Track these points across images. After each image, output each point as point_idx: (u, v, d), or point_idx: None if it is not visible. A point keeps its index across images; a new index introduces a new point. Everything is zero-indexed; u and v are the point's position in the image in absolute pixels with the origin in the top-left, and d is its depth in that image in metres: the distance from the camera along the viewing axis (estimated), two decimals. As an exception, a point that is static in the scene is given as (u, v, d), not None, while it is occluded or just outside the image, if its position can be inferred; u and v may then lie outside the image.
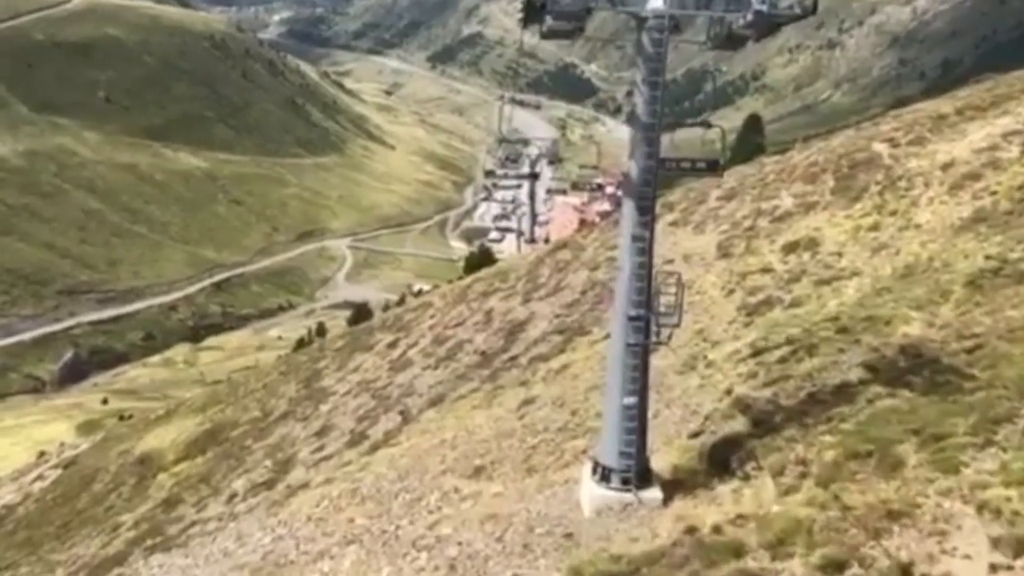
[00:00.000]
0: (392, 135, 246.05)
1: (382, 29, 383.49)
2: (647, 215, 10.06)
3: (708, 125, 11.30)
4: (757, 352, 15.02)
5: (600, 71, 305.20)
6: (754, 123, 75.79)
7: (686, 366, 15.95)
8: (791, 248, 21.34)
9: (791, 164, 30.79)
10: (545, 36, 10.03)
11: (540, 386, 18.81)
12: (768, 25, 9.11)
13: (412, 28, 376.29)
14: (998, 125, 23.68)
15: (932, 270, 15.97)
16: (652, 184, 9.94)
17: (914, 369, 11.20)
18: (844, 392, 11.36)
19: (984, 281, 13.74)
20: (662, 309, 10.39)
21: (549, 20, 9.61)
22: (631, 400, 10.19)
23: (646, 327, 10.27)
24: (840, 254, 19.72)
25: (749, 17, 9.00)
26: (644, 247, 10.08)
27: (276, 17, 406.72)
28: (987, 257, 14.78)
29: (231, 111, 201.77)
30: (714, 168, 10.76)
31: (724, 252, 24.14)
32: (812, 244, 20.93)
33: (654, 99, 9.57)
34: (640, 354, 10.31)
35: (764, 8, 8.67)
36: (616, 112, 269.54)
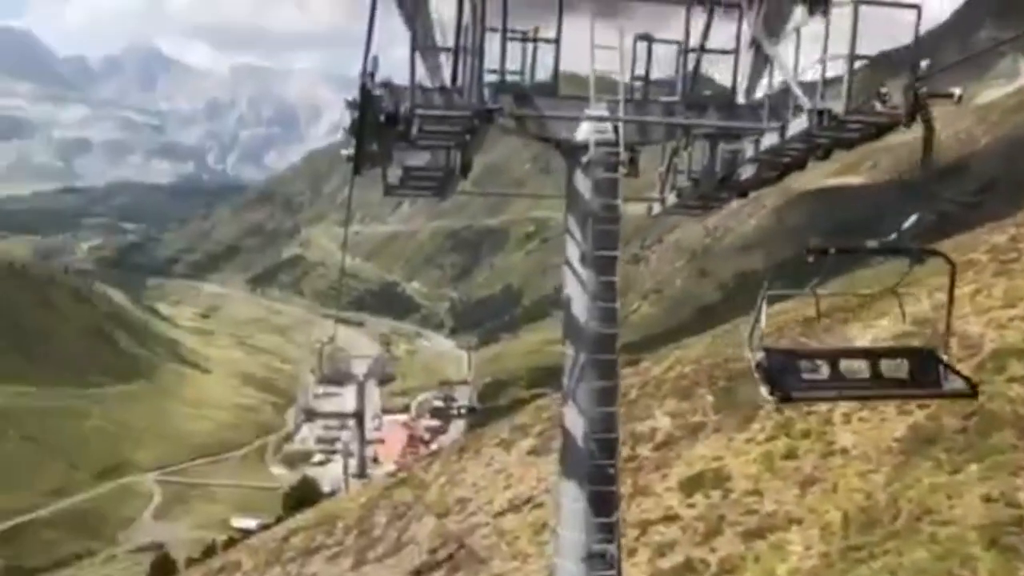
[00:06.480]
0: (208, 358, 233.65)
1: (198, 254, 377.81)
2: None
3: (935, 253, 6.15)
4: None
5: (422, 288, 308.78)
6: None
7: None
8: (693, 485, 17.18)
9: (650, 376, 27.63)
10: (391, 191, 5.55)
11: None
12: (816, 150, 5.09)
13: (231, 252, 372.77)
14: (880, 326, 21.61)
15: (904, 516, 12.10)
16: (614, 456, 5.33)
17: None
18: None
19: (1011, 538, 9.87)
20: None
21: (400, 163, 5.24)
22: None
23: None
24: (759, 492, 15.71)
25: (807, 124, 4.75)
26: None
27: (86, 245, 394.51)
28: (988, 499, 11.05)
29: (27, 340, 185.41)
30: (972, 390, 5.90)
31: (605, 490, 19.70)
32: (719, 479, 16.88)
33: (609, 289, 5.05)
34: None
35: (837, 109, 4.55)
36: (439, 327, 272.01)
